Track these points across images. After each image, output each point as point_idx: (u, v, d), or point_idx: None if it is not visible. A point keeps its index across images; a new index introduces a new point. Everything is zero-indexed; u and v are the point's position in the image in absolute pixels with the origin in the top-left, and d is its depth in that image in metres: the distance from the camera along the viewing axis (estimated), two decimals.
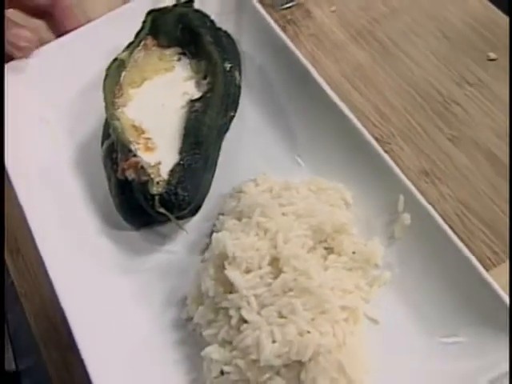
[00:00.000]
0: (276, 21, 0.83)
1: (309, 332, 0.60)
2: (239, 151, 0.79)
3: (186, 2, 0.83)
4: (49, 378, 0.71)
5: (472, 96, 0.78)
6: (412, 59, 0.83)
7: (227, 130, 0.79)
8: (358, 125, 0.71)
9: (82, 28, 0.88)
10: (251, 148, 0.78)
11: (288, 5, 0.90)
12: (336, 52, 0.86)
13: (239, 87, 0.80)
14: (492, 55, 0.81)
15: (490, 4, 0.84)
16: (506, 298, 0.59)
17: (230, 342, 0.63)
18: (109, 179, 0.74)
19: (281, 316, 0.61)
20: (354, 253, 0.67)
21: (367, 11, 0.89)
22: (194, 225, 0.74)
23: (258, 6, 0.83)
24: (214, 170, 0.76)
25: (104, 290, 0.71)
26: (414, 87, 0.80)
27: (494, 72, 0.79)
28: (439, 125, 0.77)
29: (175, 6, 0.83)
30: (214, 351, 0.63)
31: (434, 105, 0.78)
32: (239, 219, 0.68)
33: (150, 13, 0.82)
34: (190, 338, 0.68)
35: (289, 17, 0.91)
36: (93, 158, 0.79)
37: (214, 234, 0.67)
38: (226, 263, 0.64)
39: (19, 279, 0.78)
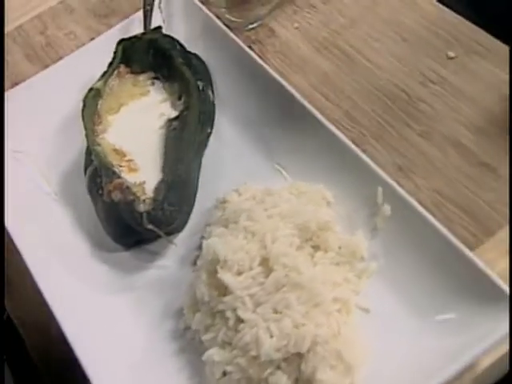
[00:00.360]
0: (242, 42, 0.86)
1: (304, 324, 0.62)
2: (219, 166, 0.81)
3: (154, 29, 0.86)
4: None
5: (437, 93, 0.81)
6: (375, 64, 0.86)
7: (205, 146, 0.82)
8: (331, 127, 0.74)
9: (53, 65, 0.90)
10: (230, 161, 0.81)
11: (253, 25, 0.94)
12: (303, 65, 0.89)
13: (213, 104, 0.83)
14: (450, 54, 0.84)
15: (441, 5, 0.88)
16: (490, 273, 0.62)
17: (230, 343, 0.64)
18: (95, 204, 0.76)
19: (276, 312, 0.63)
20: (339, 248, 0.69)
21: (328, 24, 0.92)
22: (183, 240, 0.77)
23: (225, 28, 0.87)
24: (197, 186, 0.78)
25: (101, 310, 0.73)
26: (381, 90, 0.84)
27: (455, 69, 0.83)
28: (408, 122, 0.80)
29: (144, 34, 0.86)
30: (214, 353, 0.64)
31: (402, 104, 0.82)
32: (226, 226, 0.70)
33: (120, 42, 0.85)
34: (190, 345, 0.69)
35: (253, 37, 0.94)
36: (76, 186, 0.81)
37: (204, 242, 0.69)
38: (218, 267, 0.66)
39: (15, 311, 0.79)
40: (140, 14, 0.93)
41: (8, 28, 1.07)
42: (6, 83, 0.98)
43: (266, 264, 0.66)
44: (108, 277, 0.75)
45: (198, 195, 0.78)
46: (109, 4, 1.06)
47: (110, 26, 0.99)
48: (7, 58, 1.04)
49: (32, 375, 0.78)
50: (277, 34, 0.94)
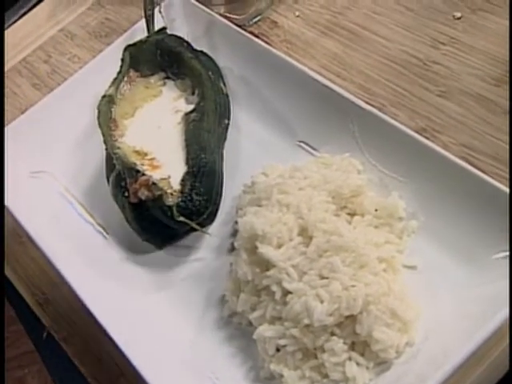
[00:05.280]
0: None
1: (354, 285, 0.60)
2: (241, 155, 0.81)
3: (159, 31, 0.86)
4: None
5: (448, 53, 0.81)
6: (382, 36, 0.86)
7: (225, 138, 0.81)
8: (349, 95, 0.74)
9: (62, 85, 0.90)
10: (252, 149, 0.80)
11: (254, 20, 0.94)
12: (310, 49, 0.89)
13: (227, 96, 0.83)
14: (457, 14, 0.84)
15: None
16: None
17: (279, 317, 0.63)
18: (122, 208, 0.75)
19: (322, 277, 0.62)
20: (376, 210, 0.68)
21: (329, 7, 0.92)
22: (215, 230, 0.76)
23: (227, 22, 0.87)
24: (222, 176, 0.77)
25: (144, 312, 0.71)
26: (392, 59, 0.83)
27: (463, 28, 0.82)
28: (425, 85, 0.79)
29: (148, 37, 0.86)
30: (265, 330, 0.63)
31: (415, 69, 0.81)
32: (259, 205, 0.69)
33: (126, 49, 0.85)
34: (237, 331, 0.68)
35: (257, 31, 0.94)
36: (101, 197, 0.80)
37: (240, 220, 0.67)
38: (257, 243, 0.65)
39: (56, 327, 0.78)
40: (139, 25, 0.93)
41: (12, 62, 1.08)
42: (16, 113, 0.98)
43: (304, 233, 0.65)
44: (146, 278, 0.74)
45: (224, 186, 0.77)
46: (108, 24, 1.07)
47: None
48: (15, 90, 1.03)
49: None
50: (279, 24, 0.94)
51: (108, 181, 0.78)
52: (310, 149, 0.77)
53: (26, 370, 1.61)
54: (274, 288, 0.63)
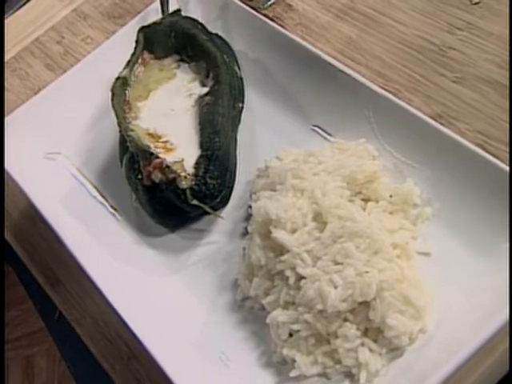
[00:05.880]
0: None
1: (367, 271, 0.60)
2: (255, 139, 0.80)
3: (173, 13, 0.85)
4: None
5: (465, 39, 0.80)
6: (398, 21, 0.85)
7: (239, 122, 0.81)
8: (364, 80, 0.73)
9: (75, 67, 0.90)
10: (266, 133, 0.80)
11: (270, 2, 0.93)
12: (325, 33, 0.88)
13: (241, 79, 0.82)
14: None
15: None
16: None
17: (293, 302, 0.63)
18: (135, 190, 0.75)
19: (336, 263, 0.62)
20: (391, 196, 0.68)
21: None
22: (228, 213, 0.75)
23: (242, 5, 0.86)
24: (236, 160, 0.77)
25: (157, 294, 0.71)
26: (408, 45, 0.83)
27: (481, 13, 0.82)
28: (441, 71, 0.79)
29: (163, 18, 0.85)
30: (279, 314, 0.63)
31: (431, 55, 0.80)
32: (273, 189, 0.69)
33: (140, 30, 0.84)
34: (250, 315, 0.68)
35: (271, 15, 0.93)
36: (114, 179, 0.80)
37: (254, 205, 0.67)
38: (271, 227, 0.64)
39: (67, 308, 0.78)
40: (153, 6, 0.93)
41: (25, 42, 1.07)
42: (30, 94, 0.97)
43: (319, 218, 0.65)
44: (158, 260, 0.74)
45: (238, 169, 0.77)
46: (121, 5, 1.06)
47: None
48: (27, 70, 1.03)
49: (94, 373, 0.76)
50: (294, 7, 0.93)
51: (121, 163, 0.78)
52: (324, 133, 0.76)
53: (36, 348, 1.63)
54: (288, 273, 0.63)
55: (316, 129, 0.77)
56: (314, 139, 0.77)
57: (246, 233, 0.72)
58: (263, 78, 0.84)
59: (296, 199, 0.66)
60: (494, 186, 0.64)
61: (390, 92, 0.76)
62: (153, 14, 0.91)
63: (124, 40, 0.89)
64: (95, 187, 0.82)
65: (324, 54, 0.78)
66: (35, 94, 0.96)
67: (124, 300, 0.69)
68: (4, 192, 0.80)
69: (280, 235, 0.63)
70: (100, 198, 0.81)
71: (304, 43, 0.80)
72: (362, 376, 0.60)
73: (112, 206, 0.80)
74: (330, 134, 0.76)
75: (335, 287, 0.60)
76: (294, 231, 0.64)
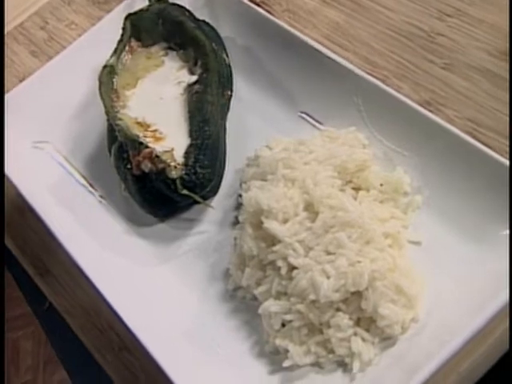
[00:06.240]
0: None
1: (360, 261, 0.60)
2: (244, 127, 0.80)
3: (160, 0, 0.84)
4: (111, 382, 0.71)
5: (454, 25, 0.80)
6: (386, 7, 0.85)
7: (228, 109, 0.80)
8: (352, 67, 0.73)
9: (60, 54, 0.89)
10: (255, 120, 0.80)
11: None
12: (312, 19, 0.88)
13: (229, 66, 0.82)
14: None
15: None
16: None
17: (285, 293, 0.63)
18: (125, 179, 0.75)
19: (328, 253, 0.62)
20: (381, 185, 0.68)
21: None
22: (218, 202, 0.75)
23: None
24: (225, 148, 0.77)
25: (147, 284, 0.71)
26: (396, 31, 0.82)
27: (470, 0, 0.81)
28: (429, 58, 0.79)
29: (150, 5, 0.84)
30: (271, 305, 0.63)
31: (420, 41, 0.80)
32: (264, 179, 0.69)
33: (127, 17, 0.83)
34: (242, 305, 0.68)
35: (258, 0, 0.92)
36: (103, 168, 0.79)
37: (244, 195, 0.67)
38: (262, 218, 0.64)
39: (57, 299, 0.78)
40: None
41: (8, 28, 1.06)
42: (15, 82, 0.96)
43: (310, 208, 0.65)
44: (148, 250, 0.74)
45: (227, 158, 0.77)
46: None
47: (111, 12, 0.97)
48: (12, 57, 1.02)
49: (85, 363, 0.76)
50: None
51: (110, 152, 0.77)
52: (312, 121, 0.76)
53: (20, 332, 1.62)
54: (280, 263, 0.63)
55: (304, 116, 0.77)
56: (303, 127, 0.76)
57: (236, 222, 0.72)
58: (251, 64, 0.84)
59: (287, 189, 0.66)
60: (483, 173, 0.64)
61: (378, 79, 0.76)
62: (139, 0, 0.90)
63: (110, 26, 0.88)
64: (83, 176, 0.81)
65: (311, 40, 0.78)
66: (20, 81, 0.95)
67: (114, 290, 0.68)
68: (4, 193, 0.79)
69: (272, 225, 0.63)
70: (88, 187, 0.80)
71: (291, 29, 0.80)
72: (355, 365, 0.60)
73: (101, 196, 0.79)
74: (318, 122, 0.76)
75: (328, 277, 0.60)
76: (285, 221, 0.64)
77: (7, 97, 0.85)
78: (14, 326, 1.71)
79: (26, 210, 0.82)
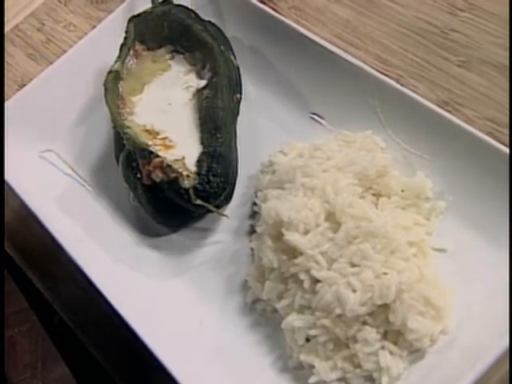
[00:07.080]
0: None
1: (386, 273, 0.58)
2: (255, 130, 0.78)
3: (163, 1, 0.82)
4: None
5: (467, 20, 0.78)
6: (397, 3, 0.83)
7: (238, 113, 0.78)
8: (368, 68, 0.71)
9: (60, 59, 0.86)
10: (265, 123, 0.78)
11: None
12: (320, 16, 0.85)
13: (238, 69, 0.79)
14: None
15: None
16: None
17: (309, 306, 0.61)
18: (134, 189, 0.72)
19: (353, 265, 0.60)
20: (402, 191, 0.66)
21: None
22: (232, 211, 0.73)
23: None
24: (237, 154, 0.75)
25: (161, 297, 0.69)
26: (409, 28, 0.80)
27: None
28: (444, 55, 0.77)
29: (153, 7, 0.82)
30: (294, 319, 0.61)
31: (434, 38, 0.78)
32: (282, 188, 0.66)
33: (130, 20, 0.80)
34: (262, 318, 0.66)
35: None
36: (109, 176, 0.77)
37: (263, 205, 0.65)
38: (283, 230, 0.62)
39: (68, 314, 0.75)
40: None
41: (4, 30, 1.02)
42: (13, 86, 0.94)
43: (332, 218, 0.63)
44: (161, 262, 0.72)
45: (239, 164, 0.74)
46: None
47: (109, 12, 0.94)
48: (9, 60, 0.99)
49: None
50: None
51: (117, 160, 0.74)
52: (324, 122, 0.74)
53: (16, 329, 1.60)
54: (302, 276, 0.61)
55: (315, 117, 0.75)
56: (315, 128, 0.75)
57: (252, 231, 0.70)
58: (258, 65, 0.82)
59: (307, 199, 0.63)
60: (506, 175, 0.62)
61: (392, 78, 0.74)
62: (140, 2, 0.87)
63: (112, 29, 0.85)
64: (89, 185, 0.79)
65: (320, 39, 0.75)
66: (18, 85, 0.93)
67: (128, 305, 0.66)
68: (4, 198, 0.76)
69: (293, 237, 0.61)
70: (96, 196, 0.78)
71: (298, 28, 0.78)
72: (384, 380, 0.58)
73: (110, 206, 0.76)
74: (329, 123, 0.73)
75: (354, 291, 0.58)
76: (306, 232, 0.62)
77: (7, 104, 0.82)
78: (9, 323, 1.68)
79: (31, 221, 0.79)
